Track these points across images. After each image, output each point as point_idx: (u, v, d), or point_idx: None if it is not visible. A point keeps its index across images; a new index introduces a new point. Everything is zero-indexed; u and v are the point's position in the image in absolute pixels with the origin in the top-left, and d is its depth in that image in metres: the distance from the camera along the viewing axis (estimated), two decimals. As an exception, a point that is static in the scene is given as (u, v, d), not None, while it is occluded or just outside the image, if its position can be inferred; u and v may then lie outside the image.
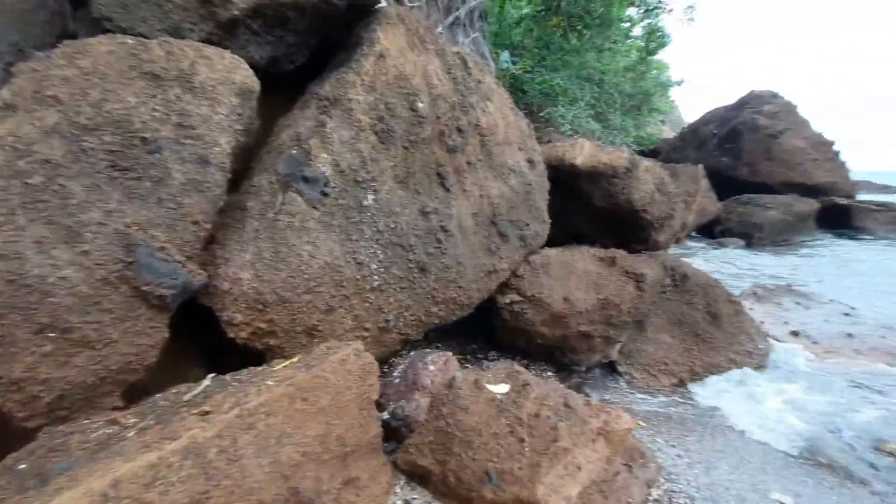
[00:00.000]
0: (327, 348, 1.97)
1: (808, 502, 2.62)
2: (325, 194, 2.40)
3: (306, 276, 2.24)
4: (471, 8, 5.64)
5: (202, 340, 2.40)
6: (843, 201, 14.51)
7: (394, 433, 2.27)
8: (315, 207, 2.36)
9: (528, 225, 3.21)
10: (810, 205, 12.71)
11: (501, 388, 2.33)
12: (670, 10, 13.25)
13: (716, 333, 4.07)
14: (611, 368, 3.99)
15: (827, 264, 9.35)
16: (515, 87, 12.50)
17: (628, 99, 17.02)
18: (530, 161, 3.50)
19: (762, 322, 5.11)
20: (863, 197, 16.72)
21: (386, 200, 2.58)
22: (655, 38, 16.09)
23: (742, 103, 17.16)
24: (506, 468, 1.97)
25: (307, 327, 2.24)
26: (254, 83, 2.36)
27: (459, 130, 3.00)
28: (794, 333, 4.96)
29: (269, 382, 1.66)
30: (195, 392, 1.75)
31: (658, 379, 3.88)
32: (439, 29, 6.14)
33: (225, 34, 2.49)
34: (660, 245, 4.05)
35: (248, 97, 2.35)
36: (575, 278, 3.31)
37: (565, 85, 13.85)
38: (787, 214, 11.94)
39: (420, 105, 2.80)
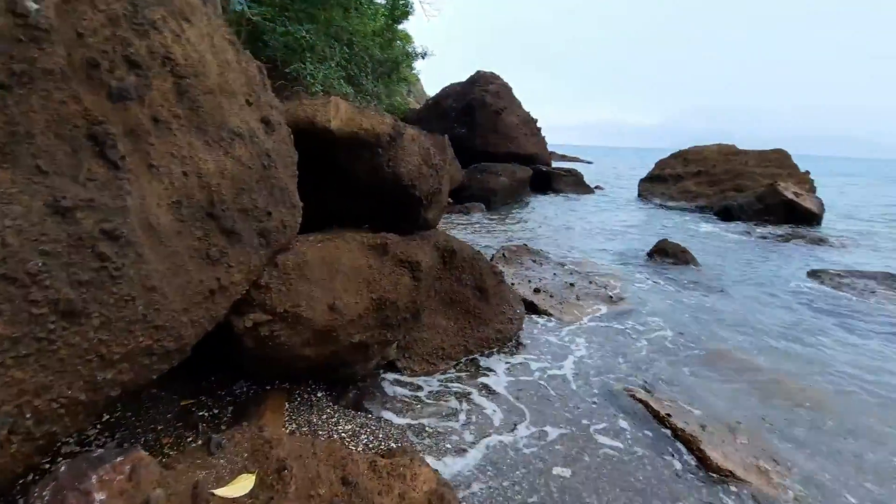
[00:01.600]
0: None
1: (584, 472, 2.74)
2: None
3: None
4: None
5: None
6: (545, 169, 18.19)
7: None
8: None
9: (269, 214, 2.28)
10: (526, 171, 15.36)
11: (241, 488, 1.47)
12: (409, -20, 13.36)
13: (484, 307, 4.07)
14: (389, 367, 3.54)
15: (544, 221, 11.43)
16: (254, 37, 10.59)
17: (378, 65, 16.93)
18: (267, 122, 2.52)
19: (513, 284, 5.57)
20: (555, 164, 21.42)
21: (-54, 190, 1.25)
22: (399, 6, 16.19)
23: (472, 81, 19.30)
24: None
25: None
26: None
27: (131, 63, 1.79)
28: (537, 290, 5.58)
29: None
30: None
31: (437, 366, 3.64)
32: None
33: None
34: (430, 223, 3.71)
35: None
36: (342, 277, 2.59)
37: (313, 40, 12.57)
38: (513, 180, 14.10)
39: (32, 6, 1.49)
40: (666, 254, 7.88)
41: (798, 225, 11.95)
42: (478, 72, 19.79)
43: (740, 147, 16.69)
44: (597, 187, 19.69)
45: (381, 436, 2.62)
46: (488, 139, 17.58)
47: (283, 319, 2.30)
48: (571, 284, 5.97)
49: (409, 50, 19.07)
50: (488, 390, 3.50)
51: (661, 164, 18.39)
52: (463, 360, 3.83)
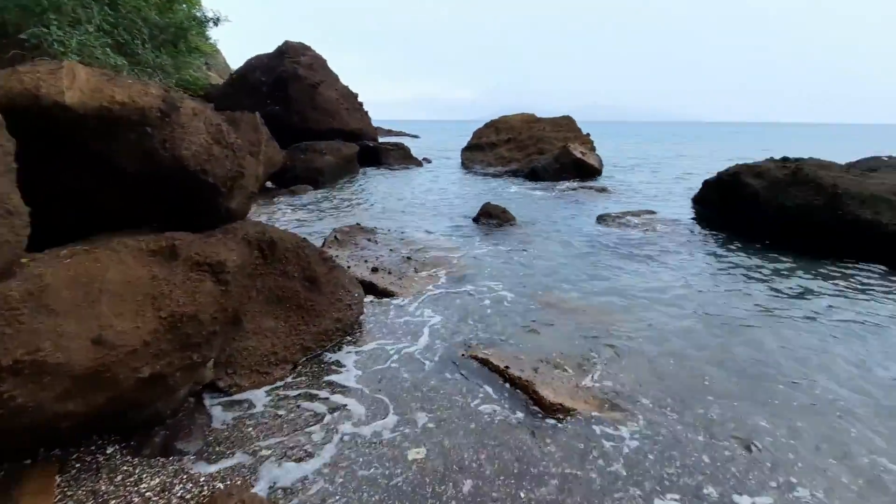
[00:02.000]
0: None
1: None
2: None
3: None
4: None
5: None
6: (372, 144, 17.95)
7: None
8: None
9: (-42, 229, 1.56)
10: (353, 148, 14.88)
11: None
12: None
13: (317, 298, 3.74)
14: (210, 388, 2.99)
15: (375, 197, 11.25)
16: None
17: (158, 31, 14.16)
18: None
19: (349, 266, 5.30)
20: (381, 139, 21.32)
21: None
22: (174, -41, 13.68)
23: (281, 53, 17.71)
24: None
25: None
26: None
27: None
28: (375, 270, 5.42)
29: None
30: None
31: (271, 374, 3.21)
32: None
33: None
34: (235, 214, 3.16)
35: None
36: (111, 299, 1.98)
37: (59, -2, 9.79)
38: (339, 158, 13.51)
39: None
40: (490, 216, 8.51)
41: (586, 179, 14.24)
42: (286, 42, 18.17)
43: (539, 115, 18.97)
44: (424, 159, 20.29)
45: (202, 480, 2.16)
46: (307, 116, 16.45)
47: (15, 373, 1.63)
48: (409, 258, 5.97)
49: (198, 14, 16.41)
50: (335, 385, 3.25)
51: (477, 134, 19.80)
52: (302, 361, 3.47)
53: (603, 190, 12.65)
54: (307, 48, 18.34)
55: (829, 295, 5.19)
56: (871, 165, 8.40)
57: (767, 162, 8.15)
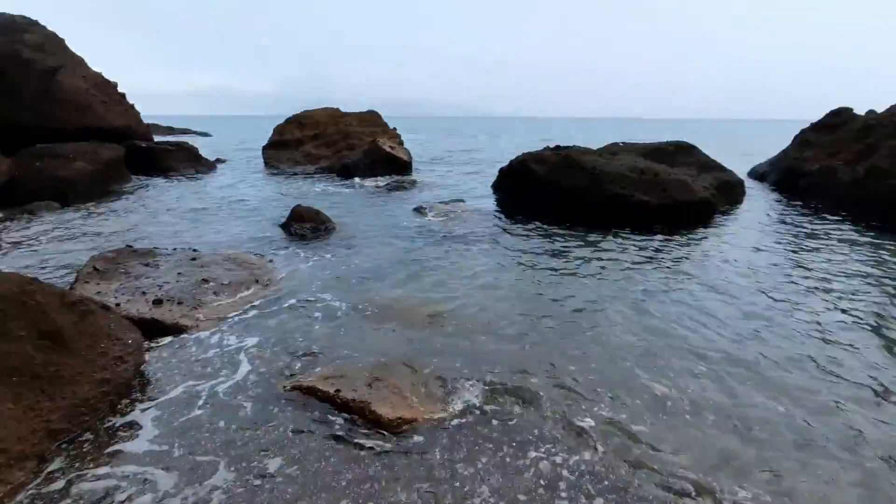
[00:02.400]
0: None
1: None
2: None
3: None
4: None
5: None
6: (145, 144, 14.90)
7: None
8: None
9: None
10: (116, 150, 12.07)
11: None
12: None
13: (65, 360, 2.74)
14: None
15: (156, 209, 9.27)
16: None
17: None
18: None
19: (118, 304, 4.16)
20: (158, 139, 17.91)
21: None
22: None
23: (-13, 27, 13.30)
24: None
25: None
26: None
27: None
28: (159, 302, 4.36)
29: None
30: None
31: (3, 481, 2.21)
32: None
33: None
34: None
35: None
36: None
37: None
38: (97, 163, 10.77)
39: None
40: (303, 219, 7.84)
41: (397, 173, 14.51)
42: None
43: (344, 110, 18.51)
44: (218, 160, 17.81)
45: None
46: (44, 111, 12.73)
47: None
48: (205, 280, 5.01)
49: None
50: (124, 456, 2.54)
51: (279, 130, 18.29)
52: (54, 449, 2.51)
53: (414, 183, 13.06)
54: (34, 23, 14.11)
55: (606, 257, 6.29)
56: (613, 150, 10.56)
57: (545, 150, 9.49)
